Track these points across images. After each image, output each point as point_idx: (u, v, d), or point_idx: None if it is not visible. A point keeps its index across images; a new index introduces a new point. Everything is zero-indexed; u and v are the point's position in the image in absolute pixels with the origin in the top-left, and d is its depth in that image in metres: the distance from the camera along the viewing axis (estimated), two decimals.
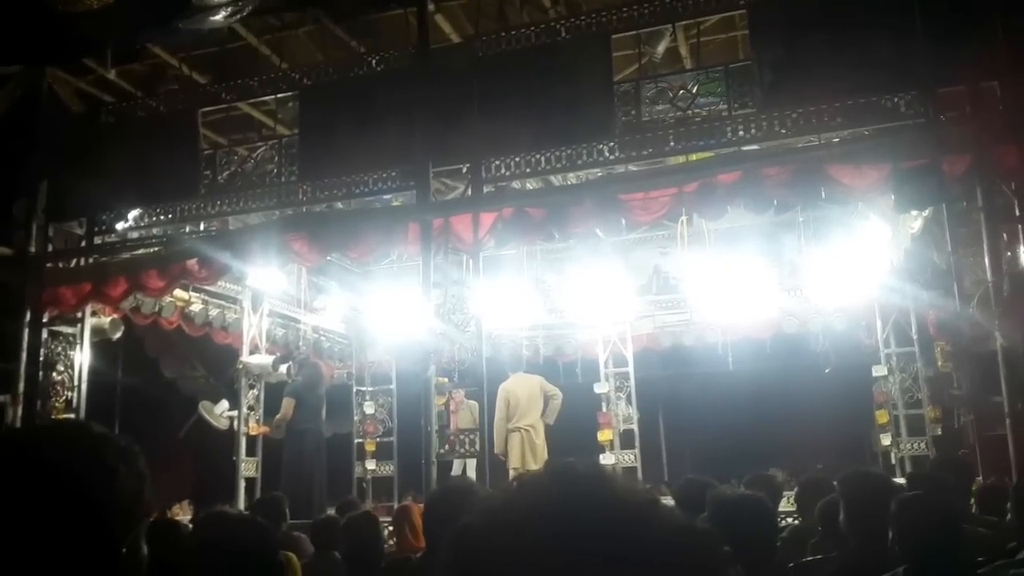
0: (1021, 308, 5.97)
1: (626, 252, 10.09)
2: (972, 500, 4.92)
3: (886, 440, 9.58)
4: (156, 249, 8.28)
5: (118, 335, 9.34)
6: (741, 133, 6.74)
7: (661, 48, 8.06)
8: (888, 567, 2.98)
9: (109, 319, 9.11)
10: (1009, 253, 6.21)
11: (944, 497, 3.35)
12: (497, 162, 7.28)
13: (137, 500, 1.06)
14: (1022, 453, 5.66)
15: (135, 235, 8.54)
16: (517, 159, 7.22)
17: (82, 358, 8.70)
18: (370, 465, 11.50)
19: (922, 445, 9.44)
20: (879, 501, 3.39)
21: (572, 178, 7.87)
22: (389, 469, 11.61)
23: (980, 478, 5.89)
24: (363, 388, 11.94)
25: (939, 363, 8.62)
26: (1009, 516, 3.52)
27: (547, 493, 0.78)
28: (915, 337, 9.59)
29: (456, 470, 10.15)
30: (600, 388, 11.15)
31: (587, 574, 0.71)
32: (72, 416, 8.50)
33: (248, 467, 9.74)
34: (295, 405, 9.55)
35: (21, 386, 8.22)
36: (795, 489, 5.44)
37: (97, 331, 9.03)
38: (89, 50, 8.07)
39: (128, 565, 1.03)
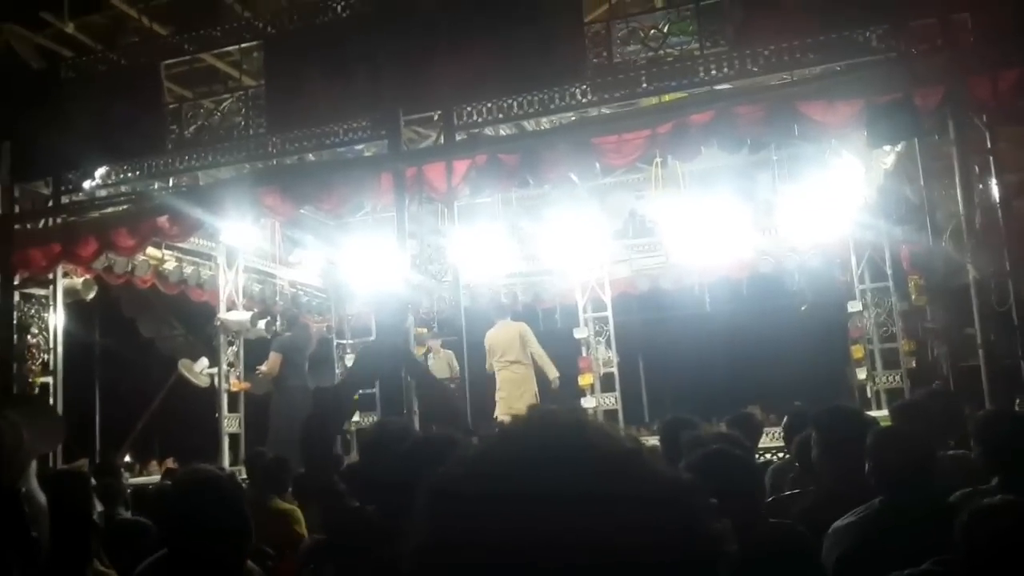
0: (993, 240, 6.02)
1: (602, 196, 10.06)
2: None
3: (862, 374, 9.73)
4: (125, 207, 8.15)
5: (92, 296, 9.25)
6: (713, 72, 6.68)
7: None
8: (863, 500, 3.03)
9: (82, 280, 9.02)
10: (981, 185, 6.23)
11: (918, 430, 3.40)
12: (469, 108, 7.19)
13: (17, 449, 1.05)
14: (995, 383, 5.76)
15: (103, 193, 8.41)
16: (489, 105, 7.13)
17: (56, 320, 8.62)
18: (354, 417, 11.55)
19: (897, 378, 9.59)
20: (853, 436, 3.45)
21: (545, 123, 7.79)
22: (373, 420, 11.66)
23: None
24: (343, 341, 11.94)
25: (913, 297, 8.71)
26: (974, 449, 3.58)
27: (527, 443, 0.77)
28: (889, 272, 9.68)
29: None
30: (580, 333, 11.21)
31: (568, 527, 0.69)
32: (48, 380, 8.47)
33: (231, 423, 9.77)
34: (282, 361, 9.51)
35: None
36: (784, 421, 5.50)
37: (70, 292, 8.94)
38: (46, 1, 7.85)
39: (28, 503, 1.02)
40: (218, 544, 2.37)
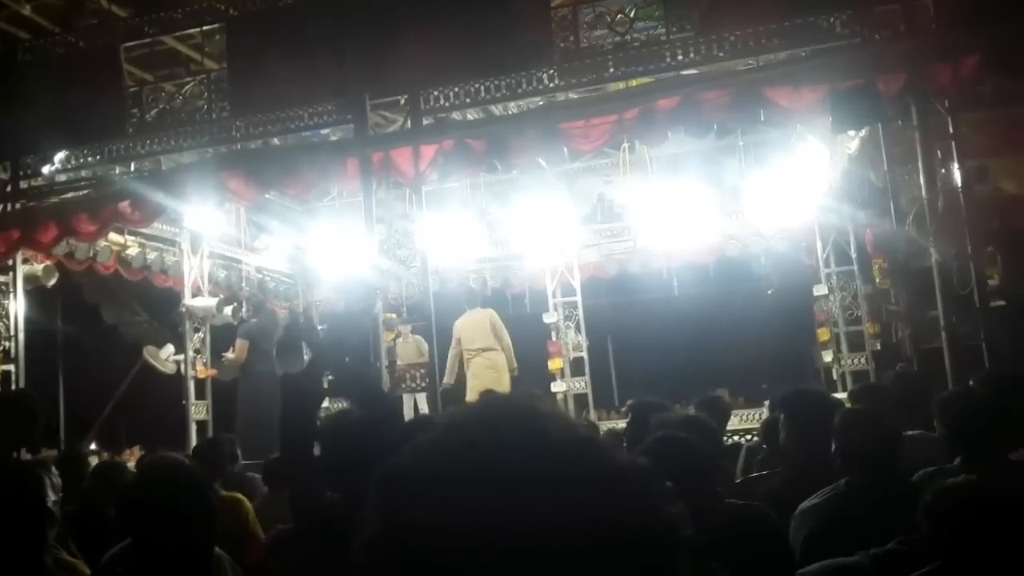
0: (954, 224, 6.11)
1: (570, 181, 10.07)
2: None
3: (827, 357, 9.86)
4: (86, 192, 8.02)
5: (53, 282, 9.10)
6: (680, 57, 6.69)
7: None
8: (829, 480, 3.07)
9: (42, 266, 8.86)
10: (943, 170, 6.32)
11: (884, 411, 3.45)
12: (436, 92, 7.14)
13: None
14: (957, 364, 5.86)
15: (63, 178, 8.26)
16: (456, 89, 7.09)
17: (17, 307, 8.47)
18: (324, 403, 11.49)
19: (862, 360, 9.74)
20: (818, 418, 3.49)
21: (513, 108, 7.77)
22: (342, 406, 11.63)
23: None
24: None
25: (877, 280, 8.83)
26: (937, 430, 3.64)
27: (478, 430, 0.76)
28: (854, 256, 9.80)
29: (407, 405, 10.21)
30: (549, 318, 11.23)
31: (520, 514, 0.69)
32: (10, 368, 8.32)
33: (199, 410, 9.69)
34: (249, 347, 9.42)
35: None
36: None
37: (31, 279, 8.79)
38: None
39: None
40: (186, 531, 2.36)
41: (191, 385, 9.65)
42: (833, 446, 3.11)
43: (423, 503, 0.72)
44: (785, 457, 3.82)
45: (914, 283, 6.47)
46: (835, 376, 9.84)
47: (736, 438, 7.96)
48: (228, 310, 9.97)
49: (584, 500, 0.70)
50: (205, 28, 7.99)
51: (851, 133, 7.44)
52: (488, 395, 0.83)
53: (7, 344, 8.43)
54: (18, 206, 8.15)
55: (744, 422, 8.98)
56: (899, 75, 6.05)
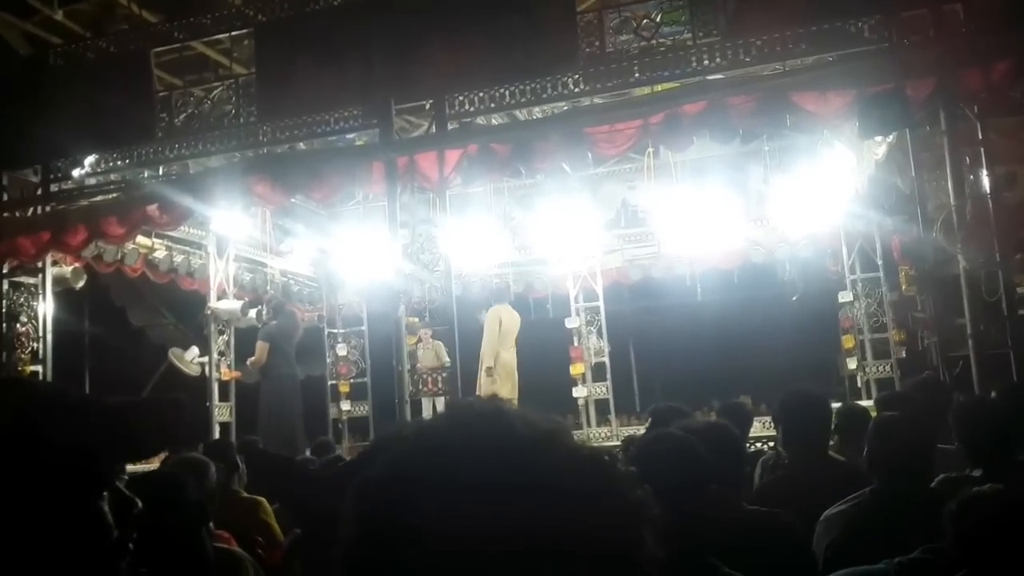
0: (983, 231, 6.04)
1: (594, 186, 10.06)
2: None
3: (852, 364, 9.77)
4: (115, 195, 8.11)
5: (81, 284, 9.21)
6: (706, 62, 6.67)
7: None
8: (822, 480, 3.06)
9: (71, 268, 8.98)
10: (972, 176, 6.25)
11: (920, 419, 3.41)
12: (461, 97, 7.16)
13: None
14: (984, 373, 5.79)
15: (92, 181, 8.36)
16: (481, 94, 7.11)
17: (46, 308, 8.58)
18: (345, 406, 11.57)
19: (887, 368, 9.64)
20: (811, 416, 3.49)
21: (537, 112, 7.77)
22: (364, 409, 11.68)
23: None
24: (334, 330, 11.93)
25: (903, 287, 8.73)
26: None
27: (447, 438, 0.78)
28: (880, 263, 9.71)
29: (426, 409, 10.26)
30: (571, 323, 11.21)
31: (491, 509, 0.71)
32: (38, 368, 8.44)
33: (222, 412, 9.76)
34: (270, 350, 9.54)
35: None
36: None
37: (60, 281, 8.90)
38: None
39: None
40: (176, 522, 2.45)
41: (215, 387, 9.72)
42: (865, 451, 3.09)
43: (397, 508, 0.73)
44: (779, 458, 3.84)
45: (941, 290, 6.39)
46: (859, 384, 9.75)
47: (759, 445, 7.90)
48: (252, 313, 10.05)
49: (552, 489, 0.73)
50: (234, 33, 8.07)
51: (878, 138, 7.39)
52: (453, 401, 0.86)
53: (36, 345, 8.54)
54: (48, 209, 8.26)
55: (766, 429, 8.91)
56: (928, 80, 5.99)
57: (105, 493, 0.93)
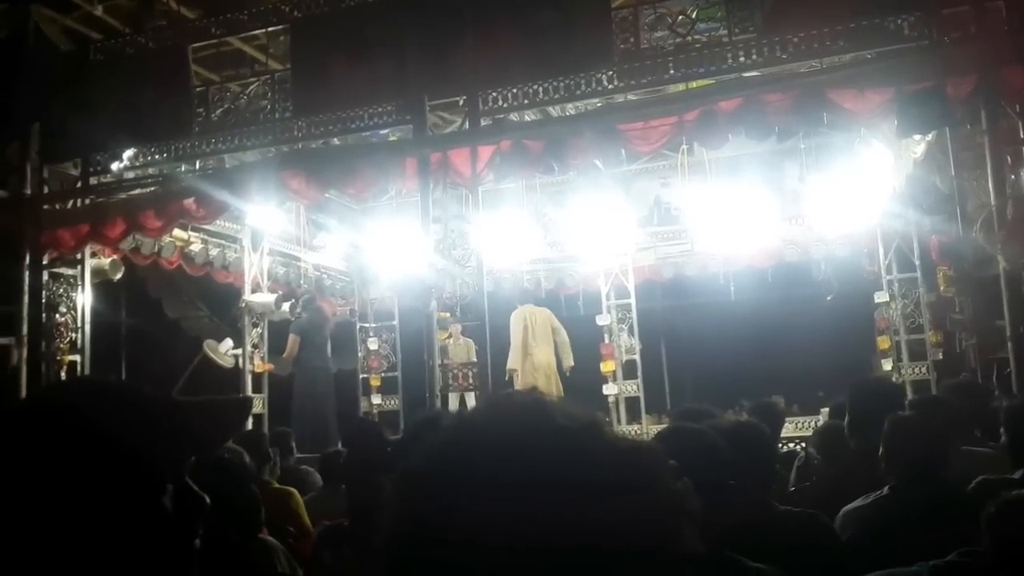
0: None
1: (627, 183, 10.02)
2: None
3: (887, 365, 9.64)
4: (152, 188, 8.21)
5: (119, 276, 9.34)
6: (742, 59, 6.60)
7: None
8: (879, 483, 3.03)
9: (109, 260, 9.11)
10: (1013, 176, 6.14)
11: (932, 418, 3.37)
12: (494, 94, 7.16)
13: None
14: None
15: (131, 175, 8.47)
16: (514, 90, 7.10)
17: (84, 299, 8.72)
18: (376, 400, 11.65)
19: (923, 370, 9.51)
20: (881, 408, 3.43)
21: (571, 109, 7.75)
22: (394, 403, 11.75)
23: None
24: (366, 324, 12.01)
25: (941, 288, 8.61)
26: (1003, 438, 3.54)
27: (487, 429, 0.78)
28: (917, 263, 9.58)
29: (453, 404, 10.28)
30: (602, 320, 11.18)
31: (528, 498, 0.70)
32: (76, 358, 8.58)
33: (256, 404, 9.85)
34: (301, 343, 9.65)
35: (24, 328, 8.26)
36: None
37: (98, 272, 9.03)
38: None
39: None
40: (226, 520, 2.44)
41: (248, 379, 9.83)
42: (880, 450, 3.06)
43: (438, 502, 0.74)
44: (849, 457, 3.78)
45: (981, 291, 6.30)
46: None
47: (792, 445, 7.84)
48: (286, 306, 10.15)
49: (594, 481, 0.73)
50: (270, 29, 8.13)
51: (917, 137, 7.28)
52: (494, 393, 0.86)
53: (74, 335, 8.68)
54: (87, 202, 8.39)
55: (799, 429, 8.84)
56: (969, 78, 5.89)
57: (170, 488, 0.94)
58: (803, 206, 9.63)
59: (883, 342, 9.73)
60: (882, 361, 9.74)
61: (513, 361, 9.95)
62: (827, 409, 6.02)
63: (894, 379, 9.58)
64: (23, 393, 8.13)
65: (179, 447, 0.97)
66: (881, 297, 9.79)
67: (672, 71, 6.79)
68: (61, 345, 8.59)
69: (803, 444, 7.12)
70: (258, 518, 2.78)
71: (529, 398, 0.81)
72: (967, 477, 3.11)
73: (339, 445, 7.63)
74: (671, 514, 0.76)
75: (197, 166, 8.48)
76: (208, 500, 0.97)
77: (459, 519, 0.71)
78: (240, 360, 10.01)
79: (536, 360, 9.97)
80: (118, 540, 0.89)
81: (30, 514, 0.86)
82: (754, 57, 6.57)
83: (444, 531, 0.72)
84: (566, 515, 0.70)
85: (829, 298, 10.91)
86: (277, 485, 5.23)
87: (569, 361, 10.67)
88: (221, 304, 11.23)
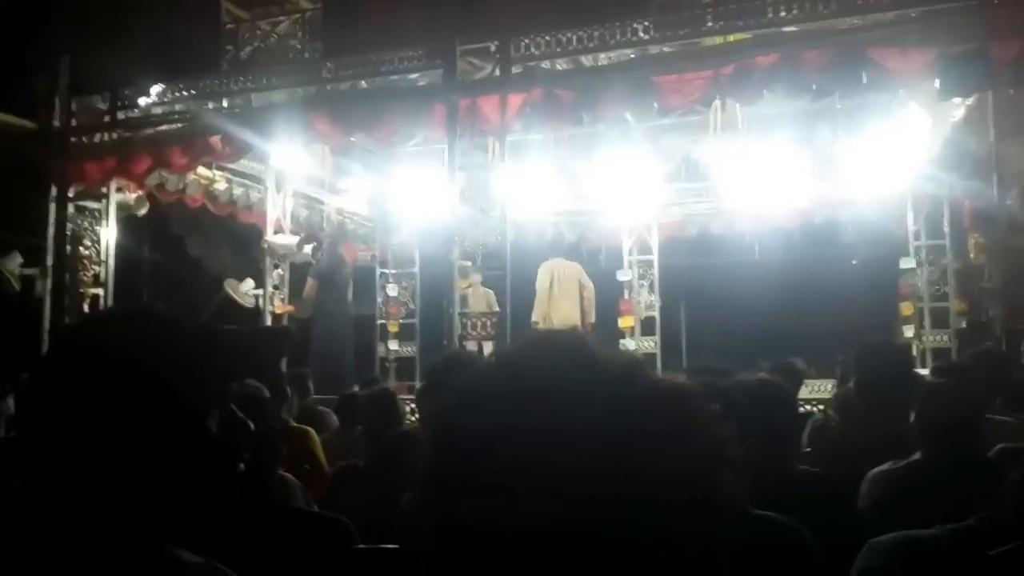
0: None
1: (656, 138, 9.87)
2: None
3: (909, 332, 9.55)
4: (179, 125, 8.20)
5: (143, 211, 9.38)
6: (782, 13, 6.45)
7: None
8: (899, 447, 3.01)
9: (135, 195, 9.13)
10: None
11: (969, 387, 3.35)
12: (526, 41, 7.05)
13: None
14: None
15: (158, 111, 8.46)
16: (547, 38, 6.98)
17: (108, 233, 8.77)
18: (393, 346, 11.67)
19: (945, 338, 9.42)
20: (892, 374, 3.40)
21: (603, 59, 7.62)
22: (411, 350, 11.78)
23: None
24: (386, 270, 12.00)
25: (971, 255, 8.48)
26: None
27: (525, 365, 0.75)
28: (947, 230, 9.43)
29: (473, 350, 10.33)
30: (623, 276, 11.14)
31: (568, 441, 0.68)
32: (99, 291, 8.66)
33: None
34: (319, 287, 9.70)
35: (49, 260, 8.34)
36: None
37: (123, 207, 9.07)
38: None
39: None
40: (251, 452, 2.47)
41: (268, 320, 9.90)
42: (912, 416, 3.04)
43: (477, 436, 0.71)
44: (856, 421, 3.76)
45: (1012, 261, 6.20)
46: (915, 352, 9.54)
47: (808, 407, 7.81)
48: (308, 249, 10.18)
49: (636, 421, 0.70)
50: None
51: (957, 100, 7.11)
52: (533, 332, 0.84)
53: (98, 268, 8.76)
54: (115, 136, 8.40)
55: (814, 392, 8.80)
56: (1015, 41, 5.71)
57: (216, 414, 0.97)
58: (834, 168, 9.48)
59: (906, 308, 9.62)
60: (904, 327, 9.65)
61: (537, 314, 9.96)
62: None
63: (915, 346, 9.53)
64: (46, 324, 8.23)
65: (223, 374, 0.98)
66: (907, 263, 9.66)
67: (710, 23, 6.65)
68: (84, 278, 8.67)
69: (821, 406, 7.10)
70: (279, 451, 2.81)
71: (571, 337, 0.79)
72: (987, 445, 3.10)
73: (355, 388, 7.71)
74: (714, 459, 0.74)
75: (224, 104, 8.43)
76: (252, 426, 0.99)
77: (496, 456, 0.69)
78: (260, 300, 10.08)
79: (560, 314, 9.97)
80: (167, 459, 0.91)
81: (88, 434, 0.90)
82: (795, 11, 6.42)
83: (480, 475, 0.70)
84: (609, 458, 0.68)
85: (854, 262, 10.79)
86: (294, 423, 5.29)
87: (591, 317, 10.65)
88: (243, 244, 11.27)
